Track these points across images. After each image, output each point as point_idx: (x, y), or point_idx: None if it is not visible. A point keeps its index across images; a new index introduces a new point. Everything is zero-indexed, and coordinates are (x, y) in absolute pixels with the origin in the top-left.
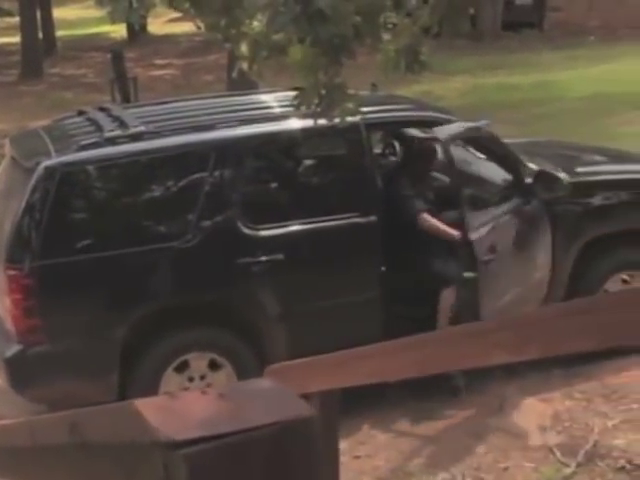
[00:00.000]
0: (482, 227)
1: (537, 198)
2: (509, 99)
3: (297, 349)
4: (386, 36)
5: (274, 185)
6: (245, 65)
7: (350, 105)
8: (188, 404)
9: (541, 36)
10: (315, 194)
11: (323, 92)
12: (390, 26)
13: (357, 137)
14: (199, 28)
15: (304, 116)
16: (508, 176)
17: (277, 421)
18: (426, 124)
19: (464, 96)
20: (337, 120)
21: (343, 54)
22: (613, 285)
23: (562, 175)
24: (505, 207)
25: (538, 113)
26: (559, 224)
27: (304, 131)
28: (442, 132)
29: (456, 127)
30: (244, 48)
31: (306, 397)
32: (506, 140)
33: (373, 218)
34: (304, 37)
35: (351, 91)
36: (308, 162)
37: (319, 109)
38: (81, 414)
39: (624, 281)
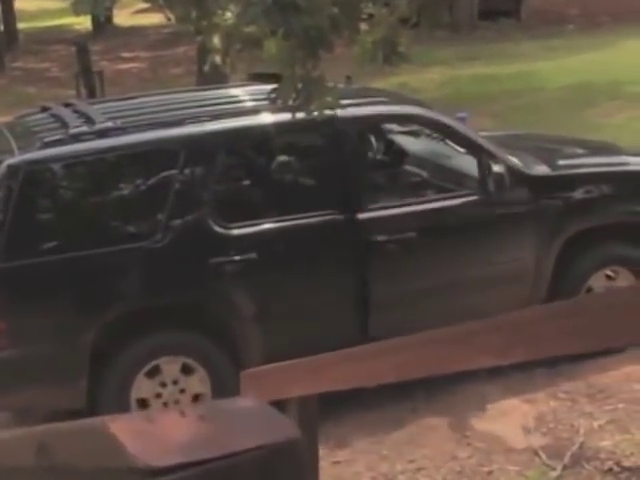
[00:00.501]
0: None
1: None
2: (487, 90)
3: (273, 351)
4: (363, 27)
5: (246, 182)
6: (218, 58)
7: (329, 99)
8: (167, 427)
9: (519, 25)
10: (289, 191)
11: (300, 86)
12: (367, 17)
13: (332, 131)
14: (169, 20)
15: (277, 110)
16: (466, 168)
17: (263, 445)
18: (404, 118)
19: (441, 88)
20: (315, 114)
21: (320, 47)
22: (597, 281)
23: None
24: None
25: (517, 104)
26: (540, 219)
27: (277, 126)
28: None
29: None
30: (216, 41)
31: (284, 403)
32: (485, 133)
33: (350, 214)
34: (277, 29)
35: (330, 84)
36: (281, 158)
37: (297, 103)
38: (49, 433)
39: (608, 277)
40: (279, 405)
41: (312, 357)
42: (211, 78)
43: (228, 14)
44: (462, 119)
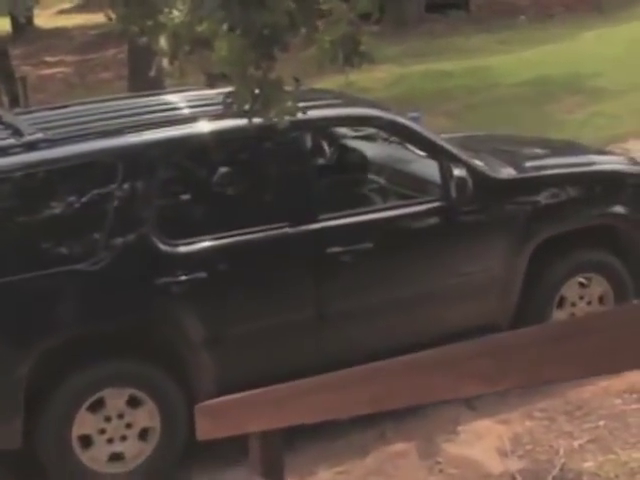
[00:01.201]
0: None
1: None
2: (440, 88)
3: (229, 379)
4: (321, 25)
5: (192, 195)
6: (165, 61)
7: (289, 103)
8: None
9: (468, 18)
10: (238, 203)
11: (257, 90)
12: (325, 13)
13: (281, 138)
14: (110, 19)
15: (222, 117)
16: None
17: None
18: (358, 120)
19: (391, 87)
20: (275, 120)
21: (275, 46)
22: (570, 290)
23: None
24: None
25: (472, 102)
26: (508, 225)
27: (222, 134)
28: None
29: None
30: (163, 42)
31: (245, 438)
32: (444, 135)
33: (308, 227)
34: (234, 26)
35: (288, 88)
36: (228, 168)
37: (254, 109)
38: None
39: (581, 285)
40: (239, 441)
41: (274, 387)
42: (143, 83)
43: (175, 12)
44: (415, 119)
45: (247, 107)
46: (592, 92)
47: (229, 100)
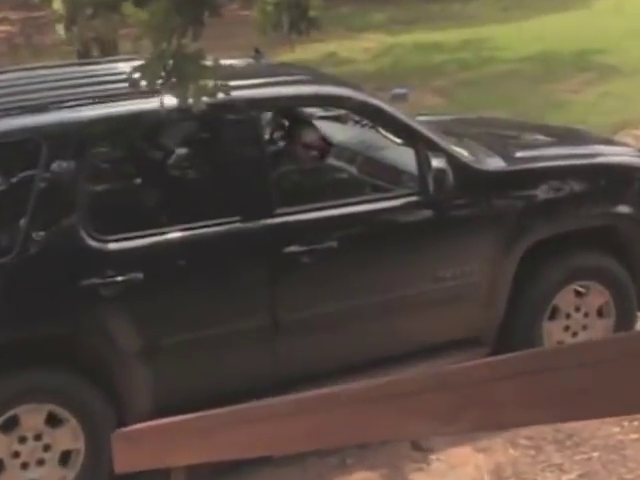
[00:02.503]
0: None
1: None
2: (431, 62)
3: (168, 396)
4: None
5: (129, 183)
6: (60, 29)
7: (209, 82)
8: None
9: None
10: (183, 194)
11: (170, 63)
12: None
13: (237, 118)
14: None
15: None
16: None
17: None
18: (327, 100)
19: (376, 59)
20: (190, 101)
21: (205, 9)
22: (565, 299)
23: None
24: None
25: (466, 79)
26: (494, 224)
27: (167, 112)
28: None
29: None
30: (58, 4)
31: (167, 472)
32: (425, 117)
33: (263, 222)
34: None
35: (209, 62)
36: (173, 153)
37: (166, 86)
38: None
39: (578, 293)
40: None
41: (203, 414)
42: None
43: None
44: (402, 96)
45: (158, 84)
46: (602, 70)
47: (136, 75)
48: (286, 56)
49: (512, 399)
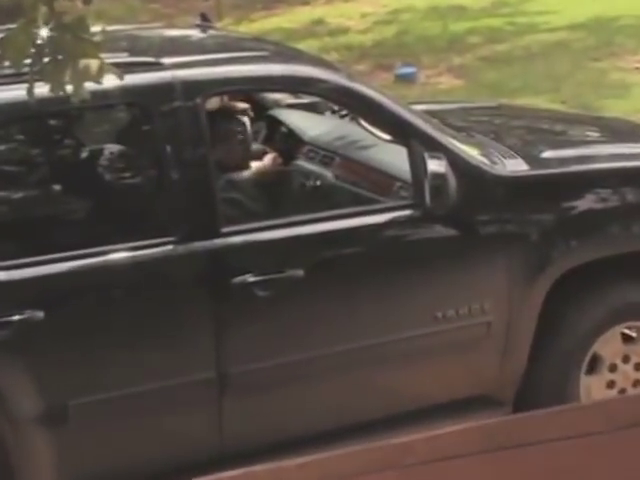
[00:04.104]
0: None
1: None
2: (448, 32)
3: (73, 475)
4: None
5: (24, 194)
6: None
7: (93, 62)
8: None
9: None
10: (96, 209)
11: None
12: None
13: (167, 108)
14: None
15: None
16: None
17: None
18: (294, 85)
19: (377, 28)
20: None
21: None
22: (608, 346)
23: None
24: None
25: (494, 54)
26: (514, 247)
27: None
28: None
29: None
30: None
31: None
32: (425, 106)
33: (205, 244)
34: None
35: (96, 36)
36: (80, 153)
37: (34, 69)
38: None
39: (626, 338)
40: None
41: None
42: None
43: None
44: (408, 76)
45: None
46: None
47: None
48: (260, 24)
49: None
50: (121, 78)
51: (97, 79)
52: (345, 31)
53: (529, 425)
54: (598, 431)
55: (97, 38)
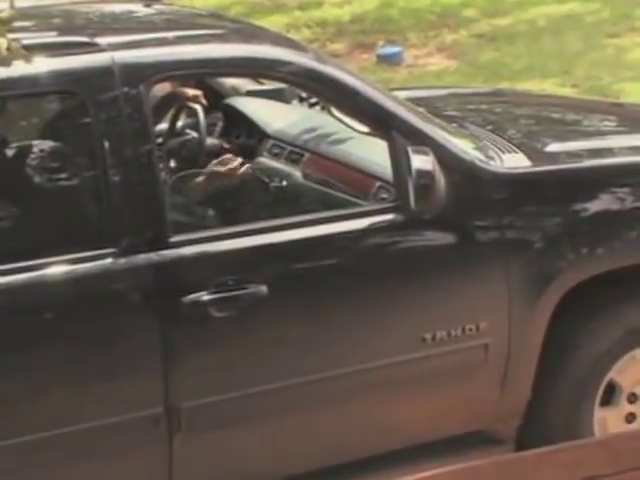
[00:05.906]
0: None
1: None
2: (440, 4)
3: None
4: None
5: None
6: None
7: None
8: None
9: None
10: (18, 215)
11: None
12: None
13: (106, 97)
14: None
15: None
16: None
17: None
18: (255, 68)
19: (355, 0)
20: None
21: None
22: (627, 373)
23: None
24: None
25: (492, 30)
26: (514, 257)
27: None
28: None
29: None
30: None
31: None
32: (412, 92)
33: (150, 256)
34: None
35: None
36: (0, 152)
37: None
38: None
39: None
40: None
41: None
42: None
43: None
44: (392, 56)
45: None
46: None
47: None
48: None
49: None
50: (29, 61)
51: (4, 64)
52: (319, 4)
53: (522, 466)
54: (600, 474)
55: (4, 15)
